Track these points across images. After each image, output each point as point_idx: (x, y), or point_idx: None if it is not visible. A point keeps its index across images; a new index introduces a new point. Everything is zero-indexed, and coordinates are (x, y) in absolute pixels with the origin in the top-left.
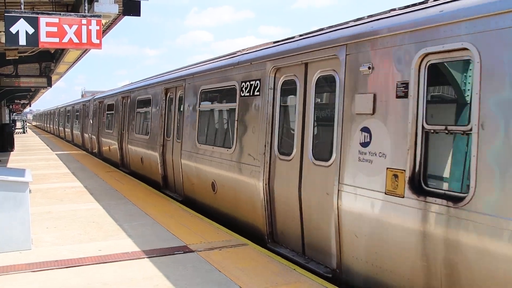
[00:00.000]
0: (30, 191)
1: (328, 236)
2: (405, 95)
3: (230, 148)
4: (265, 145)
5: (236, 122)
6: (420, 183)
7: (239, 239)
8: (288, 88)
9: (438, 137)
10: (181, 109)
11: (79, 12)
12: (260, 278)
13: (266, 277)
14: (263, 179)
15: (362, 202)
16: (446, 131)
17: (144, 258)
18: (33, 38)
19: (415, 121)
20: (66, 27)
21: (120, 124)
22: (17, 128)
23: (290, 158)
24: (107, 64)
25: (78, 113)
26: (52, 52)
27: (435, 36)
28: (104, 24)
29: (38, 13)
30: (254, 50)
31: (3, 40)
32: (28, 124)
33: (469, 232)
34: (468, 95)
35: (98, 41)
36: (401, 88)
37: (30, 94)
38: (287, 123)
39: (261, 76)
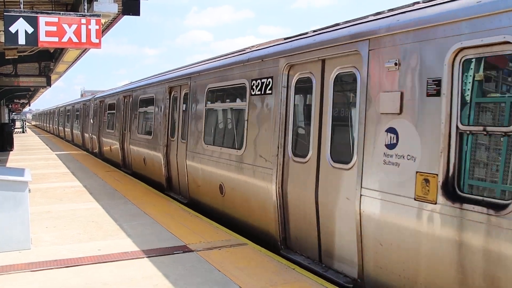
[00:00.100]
0: (29, 190)
1: (349, 244)
2: (437, 93)
3: (239, 149)
4: (278, 147)
5: (246, 122)
6: (455, 189)
7: (238, 239)
8: (303, 86)
9: (475, 138)
10: (186, 109)
11: (78, 12)
12: (259, 277)
13: (265, 277)
14: (276, 182)
15: (388, 208)
16: (485, 132)
17: (143, 257)
18: (32, 38)
19: (448, 121)
20: (65, 26)
21: (121, 123)
22: (16, 128)
23: (306, 160)
24: (106, 64)
25: (78, 113)
26: (52, 51)
27: (471, 29)
28: (103, 23)
29: (37, 13)
30: (265, 46)
31: (2, 40)
32: (27, 123)
33: None
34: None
35: (97, 41)
36: (433, 86)
37: (30, 93)
38: (302, 123)
39: (273, 73)
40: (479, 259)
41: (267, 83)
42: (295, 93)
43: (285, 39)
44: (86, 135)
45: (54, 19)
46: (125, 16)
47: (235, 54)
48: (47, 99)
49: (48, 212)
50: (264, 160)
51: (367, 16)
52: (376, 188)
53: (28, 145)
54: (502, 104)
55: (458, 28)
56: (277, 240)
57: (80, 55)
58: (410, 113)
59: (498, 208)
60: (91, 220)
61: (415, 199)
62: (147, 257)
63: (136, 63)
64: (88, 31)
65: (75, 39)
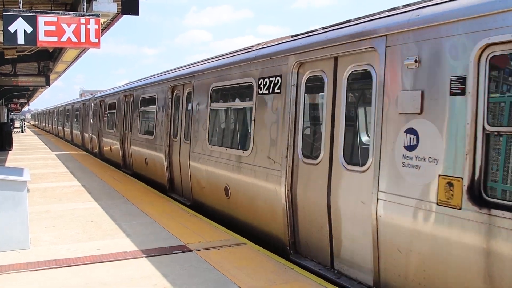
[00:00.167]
0: (28, 190)
1: (364, 250)
2: (462, 92)
3: (246, 150)
4: (287, 147)
5: (253, 122)
6: (481, 193)
7: (237, 239)
8: (314, 85)
9: (504, 140)
10: (189, 108)
11: (77, 11)
12: (258, 277)
13: (264, 276)
14: (285, 185)
15: (407, 213)
16: None
17: (142, 257)
18: (31, 37)
19: (474, 122)
20: (64, 26)
21: (122, 123)
22: (15, 127)
23: (317, 162)
24: (105, 63)
25: (77, 112)
26: (51, 51)
27: (500, 23)
28: (102, 23)
29: (36, 12)
30: (273, 44)
31: (1, 39)
32: (26, 123)
33: None
34: None
35: (96, 40)
36: (457, 84)
37: (29, 93)
38: (313, 123)
39: (282, 72)
40: (510, 268)
41: (276, 81)
42: (305, 92)
43: (292, 36)
44: (86, 135)
45: (53, 18)
46: (124, 16)
47: (241, 52)
48: (46, 99)
49: (47, 212)
50: (272, 161)
51: (381, 12)
52: (394, 192)
53: (27, 145)
54: None
55: (485, 23)
56: (286, 244)
57: (79, 55)
58: (432, 113)
59: None
60: (90, 220)
61: (437, 204)
62: (146, 256)
63: (135, 62)
64: (87, 31)
65: (74, 39)
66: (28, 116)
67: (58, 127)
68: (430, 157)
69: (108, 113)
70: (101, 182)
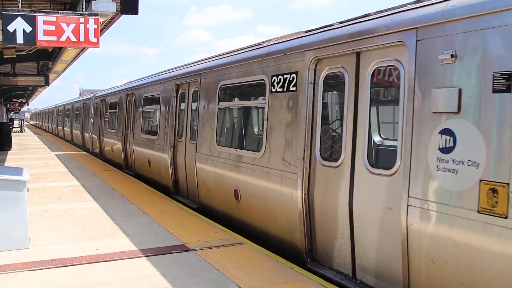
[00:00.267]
0: (27, 190)
1: (391, 260)
2: (507, 89)
3: (258, 151)
4: (304, 149)
5: (265, 121)
6: None
7: (237, 238)
8: (333, 83)
9: None
10: (196, 107)
11: (77, 11)
12: (258, 276)
13: (264, 276)
14: (302, 188)
15: (443, 221)
16: None
17: (142, 257)
18: (30, 37)
19: None
20: (63, 25)
21: (124, 123)
22: (14, 127)
23: (337, 165)
24: (105, 63)
25: (78, 112)
26: (50, 50)
27: None
28: (102, 22)
29: (35, 12)
30: (287, 39)
31: (0, 39)
32: (25, 123)
33: None
34: None
35: (96, 40)
36: (501, 80)
37: (28, 93)
38: (332, 123)
39: (298, 68)
40: None
41: (291, 79)
42: (324, 90)
43: (306, 32)
44: (86, 134)
45: (52, 18)
46: (123, 15)
47: (252, 48)
48: (46, 98)
49: (46, 212)
50: (287, 163)
51: (406, 5)
52: (427, 198)
53: (26, 145)
54: None
55: None
56: (303, 251)
57: (78, 54)
58: (471, 112)
59: None
60: (90, 220)
61: (478, 212)
62: (145, 256)
63: (134, 62)
64: (87, 30)
65: (73, 38)
66: (27, 115)
67: (58, 127)
68: (469, 160)
69: (109, 112)
70: (101, 182)
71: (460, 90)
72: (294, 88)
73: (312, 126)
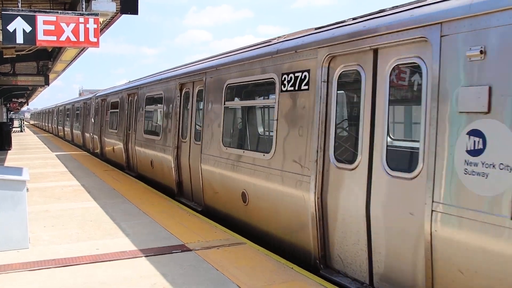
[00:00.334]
0: (27, 189)
1: (412, 268)
2: None
3: (267, 152)
4: (317, 150)
5: (275, 122)
6: None
7: (237, 238)
8: (348, 81)
9: None
10: (201, 107)
11: (76, 10)
12: (257, 276)
13: (263, 276)
14: (315, 192)
15: (472, 228)
16: None
17: (141, 257)
18: (30, 36)
19: None
20: (63, 25)
21: (126, 123)
22: (14, 127)
23: (353, 167)
24: (104, 63)
25: (78, 112)
26: (50, 50)
27: None
28: (101, 22)
29: (35, 11)
30: (297, 36)
31: (0, 38)
32: (25, 123)
33: None
34: None
35: (95, 40)
36: None
37: (28, 92)
38: (347, 123)
39: (310, 66)
40: None
41: (302, 77)
42: (338, 89)
43: (316, 29)
44: (87, 135)
45: (52, 18)
46: (123, 15)
47: (260, 46)
48: (46, 98)
49: (46, 211)
50: (299, 165)
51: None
52: (454, 204)
53: (26, 144)
54: None
55: None
56: (316, 258)
57: (78, 54)
58: (503, 112)
59: None
60: (90, 219)
61: None
62: (145, 256)
63: (134, 62)
64: (86, 30)
65: (73, 38)
66: (27, 115)
67: (58, 127)
68: (501, 164)
69: (111, 112)
70: (101, 182)
71: (490, 89)
72: (306, 87)
73: (325, 127)
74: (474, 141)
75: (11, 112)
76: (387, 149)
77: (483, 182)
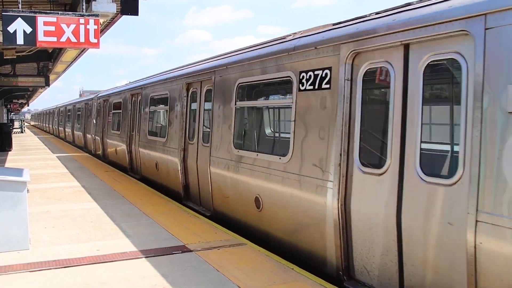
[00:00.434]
0: (28, 190)
1: (452, 283)
2: None
3: (284, 155)
4: (340, 154)
5: (293, 123)
6: None
7: (237, 239)
8: (375, 79)
9: None
10: (209, 107)
11: (77, 11)
12: (258, 277)
13: (264, 276)
14: (338, 198)
15: None
16: None
17: (142, 257)
18: (30, 37)
19: None
20: (64, 26)
21: (129, 124)
22: (15, 128)
23: (382, 172)
24: (105, 64)
25: (79, 113)
26: (50, 51)
27: None
28: (102, 23)
29: (35, 12)
30: (315, 32)
31: (0, 40)
32: (26, 123)
33: None
34: None
35: (96, 41)
36: None
37: (28, 93)
38: (374, 125)
39: (332, 63)
40: None
41: (323, 75)
42: (363, 87)
43: (334, 24)
44: (89, 136)
45: (52, 19)
46: (123, 16)
47: (274, 42)
48: (46, 99)
49: (46, 212)
50: (319, 170)
51: None
52: (504, 213)
53: (27, 145)
54: None
55: None
56: (339, 269)
57: (78, 55)
58: None
59: None
60: (90, 220)
61: None
62: (145, 257)
63: (135, 63)
64: (87, 31)
65: (73, 39)
66: (27, 116)
67: (59, 128)
68: None
69: (113, 113)
70: (101, 183)
71: None
72: (327, 86)
73: (349, 128)
74: None
75: (12, 113)
76: (420, 152)
77: None
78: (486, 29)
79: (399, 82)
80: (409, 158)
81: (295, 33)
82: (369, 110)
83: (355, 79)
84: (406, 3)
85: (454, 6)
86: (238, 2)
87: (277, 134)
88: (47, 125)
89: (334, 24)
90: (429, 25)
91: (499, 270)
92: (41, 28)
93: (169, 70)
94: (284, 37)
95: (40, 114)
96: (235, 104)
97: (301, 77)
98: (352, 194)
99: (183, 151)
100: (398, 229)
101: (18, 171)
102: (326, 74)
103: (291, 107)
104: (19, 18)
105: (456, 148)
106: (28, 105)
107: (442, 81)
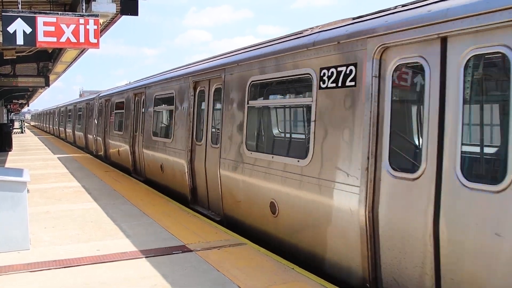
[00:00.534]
0: (28, 191)
1: None
2: None
3: (303, 158)
4: (368, 157)
5: (313, 123)
6: None
7: (237, 239)
8: (407, 75)
9: None
10: (218, 107)
11: (76, 12)
12: (258, 277)
13: (264, 276)
14: (366, 204)
15: None
16: None
17: (142, 258)
18: (30, 38)
19: None
20: (63, 26)
21: (132, 124)
22: (15, 128)
23: (416, 176)
24: (104, 64)
25: (80, 113)
26: (50, 51)
27: None
28: (101, 23)
29: (35, 13)
30: (336, 26)
31: (0, 40)
32: (26, 124)
33: None
34: None
35: (95, 41)
36: None
37: (28, 94)
38: (406, 125)
39: (357, 59)
40: None
41: (347, 72)
42: (393, 85)
43: (354, 19)
44: (90, 136)
45: (52, 19)
46: (123, 16)
47: (290, 38)
48: (46, 100)
49: (47, 213)
50: (344, 173)
51: None
52: None
53: (27, 146)
54: None
55: None
56: (365, 280)
57: (78, 55)
58: None
59: None
60: (90, 221)
61: None
62: (145, 257)
63: (134, 63)
64: (86, 31)
65: (73, 39)
66: (27, 116)
67: (60, 128)
68: None
69: (116, 113)
70: (101, 183)
71: None
72: (352, 83)
73: (377, 129)
74: None
75: (12, 113)
76: (461, 156)
77: None
78: None
79: (435, 79)
80: (448, 161)
81: (312, 28)
82: (400, 109)
83: (383, 75)
84: None
85: None
86: (238, 2)
87: (296, 135)
88: (47, 125)
89: (354, 19)
90: (473, 16)
91: None
92: (41, 28)
93: (174, 69)
94: (300, 32)
95: (40, 114)
96: (248, 103)
97: (322, 74)
98: (381, 200)
99: (190, 153)
100: (435, 239)
101: (18, 172)
102: (351, 70)
103: (310, 107)
104: (19, 19)
105: (501, 151)
106: (28, 106)
107: (487, 78)
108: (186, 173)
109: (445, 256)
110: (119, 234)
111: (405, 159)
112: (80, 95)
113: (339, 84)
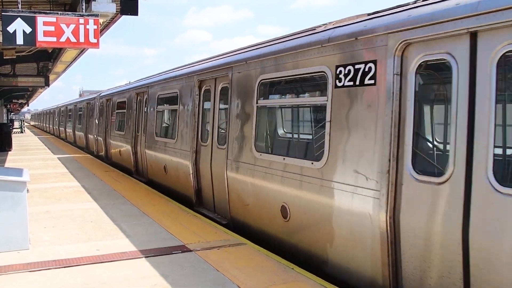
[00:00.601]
0: (28, 190)
1: None
2: None
3: (317, 160)
4: (389, 159)
5: (328, 124)
6: None
7: (237, 239)
8: (431, 73)
9: None
10: (225, 106)
11: (76, 11)
12: (258, 277)
13: (264, 276)
14: (387, 209)
15: None
16: None
17: (142, 257)
18: (30, 38)
19: None
20: (63, 26)
21: (134, 124)
22: (14, 128)
23: (443, 180)
24: (104, 64)
25: (81, 112)
26: (50, 51)
27: None
28: (101, 23)
29: (35, 13)
30: (352, 22)
31: (0, 40)
32: (25, 124)
33: None
34: None
35: (95, 41)
36: None
37: (28, 93)
38: (430, 126)
39: (377, 56)
40: None
41: (366, 69)
42: (416, 83)
43: (369, 14)
44: (91, 136)
45: (52, 19)
46: (123, 16)
47: (302, 34)
48: (46, 100)
49: (46, 212)
50: (362, 177)
51: None
52: None
53: (26, 146)
54: None
55: None
56: None
57: (78, 55)
58: None
59: None
60: (90, 220)
61: None
62: (145, 257)
63: (134, 63)
64: (86, 31)
65: (73, 39)
66: (27, 116)
67: (60, 128)
68: None
69: (117, 113)
70: (101, 183)
71: None
72: (371, 81)
73: (399, 130)
74: None
75: (12, 113)
76: (494, 159)
77: None
78: None
79: (463, 77)
80: (479, 165)
81: (325, 24)
82: (424, 109)
83: (406, 73)
84: None
85: None
86: (238, 2)
87: (309, 136)
88: (47, 125)
89: (369, 14)
90: (507, 9)
91: None
92: (40, 28)
93: (178, 67)
94: (313, 28)
95: (40, 114)
96: (257, 103)
97: (337, 72)
98: (403, 205)
99: (195, 154)
100: (465, 248)
101: (18, 171)
102: (370, 68)
103: (325, 106)
104: (19, 18)
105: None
106: (28, 105)
107: None
108: (191, 175)
109: (475, 265)
110: (119, 234)
111: (430, 162)
112: (80, 95)
113: (357, 83)
